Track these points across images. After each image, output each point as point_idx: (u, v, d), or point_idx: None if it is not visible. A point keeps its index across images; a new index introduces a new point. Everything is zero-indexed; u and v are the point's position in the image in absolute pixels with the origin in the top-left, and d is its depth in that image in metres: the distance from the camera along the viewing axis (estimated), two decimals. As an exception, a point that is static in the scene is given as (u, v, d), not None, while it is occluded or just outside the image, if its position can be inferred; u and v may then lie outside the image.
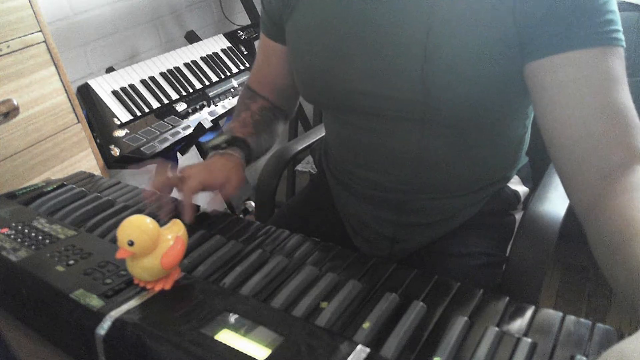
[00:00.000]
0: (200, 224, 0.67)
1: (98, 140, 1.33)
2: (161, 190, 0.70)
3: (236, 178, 0.75)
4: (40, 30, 1.11)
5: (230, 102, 1.62)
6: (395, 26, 0.64)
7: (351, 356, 0.42)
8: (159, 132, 1.44)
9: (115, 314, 0.49)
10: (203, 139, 1.60)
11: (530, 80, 0.60)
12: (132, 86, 1.49)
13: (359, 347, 0.43)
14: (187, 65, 1.64)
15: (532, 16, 0.56)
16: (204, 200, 0.73)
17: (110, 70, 1.55)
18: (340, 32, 0.69)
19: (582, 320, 0.46)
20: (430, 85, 0.62)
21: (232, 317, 0.48)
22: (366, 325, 0.46)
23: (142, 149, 1.37)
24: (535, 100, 0.60)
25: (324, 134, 0.97)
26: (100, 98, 1.41)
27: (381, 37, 0.65)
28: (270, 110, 0.89)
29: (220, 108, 1.59)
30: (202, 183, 0.70)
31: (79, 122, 1.23)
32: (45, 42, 1.12)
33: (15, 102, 1.07)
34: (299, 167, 1.97)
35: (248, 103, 0.88)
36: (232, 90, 1.67)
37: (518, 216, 0.82)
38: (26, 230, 0.65)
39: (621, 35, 0.57)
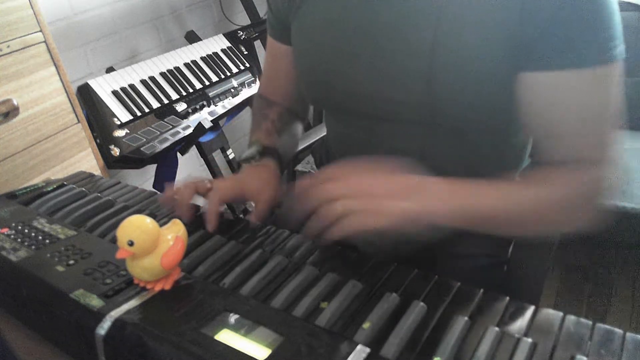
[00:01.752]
0: (200, 224, 0.67)
1: (98, 140, 1.33)
2: (184, 195, 0.68)
3: (270, 190, 0.72)
4: (40, 30, 1.11)
5: (230, 102, 1.62)
6: (402, 26, 0.63)
7: (351, 356, 0.42)
8: (159, 132, 1.44)
9: (115, 314, 0.49)
10: (203, 139, 1.60)
11: (521, 88, 0.61)
12: (132, 86, 1.49)
13: (359, 347, 0.43)
14: (187, 65, 1.64)
15: (538, 21, 0.56)
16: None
17: (110, 70, 1.55)
18: (346, 32, 0.68)
19: (582, 320, 0.46)
20: (436, 87, 0.62)
21: (232, 317, 0.48)
22: (366, 325, 0.46)
23: (142, 149, 1.37)
24: (522, 104, 0.62)
25: (324, 134, 0.97)
26: (100, 98, 1.41)
27: (387, 38, 0.65)
28: (287, 114, 0.88)
29: (220, 108, 1.59)
30: (233, 195, 0.69)
31: (79, 122, 1.23)
32: (45, 42, 1.12)
33: (15, 102, 1.07)
34: (299, 167, 1.97)
35: (266, 112, 0.86)
36: (232, 90, 1.67)
37: (519, 217, 0.81)
38: (26, 230, 0.65)
39: (621, 49, 0.57)
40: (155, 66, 1.58)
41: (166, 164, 1.57)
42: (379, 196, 0.54)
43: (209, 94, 1.61)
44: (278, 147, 0.80)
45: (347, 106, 0.73)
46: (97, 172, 1.28)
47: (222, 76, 1.68)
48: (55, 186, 0.79)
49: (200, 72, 1.64)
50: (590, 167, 0.61)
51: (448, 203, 0.57)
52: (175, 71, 1.60)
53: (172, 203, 0.69)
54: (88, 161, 1.26)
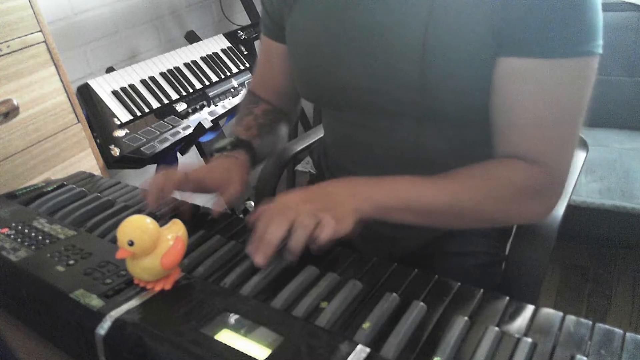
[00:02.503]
0: (200, 224, 0.67)
1: (98, 140, 1.33)
2: (163, 188, 0.69)
3: (238, 180, 0.74)
4: (40, 30, 1.11)
5: (230, 102, 1.62)
6: (394, 22, 0.64)
7: (351, 356, 0.42)
8: (159, 132, 1.44)
9: (115, 314, 0.49)
10: (203, 139, 1.60)
11: (493, 73, 0.61)
12: (132, 86, 1.49)
13: (359, 347, 0.43)
14: (187, 65, 1.64)
15: (516, 8, 0.57)
16: (206, 201, 0.73)
17: (110, 70, 1.55)
18: (339, 29, 0.69)
19: (582, 320, 0.46)
20: (428, 81, 0.63)
21: (232, 317, 0.48)
22: (366, 325, 0.46)
23: (142, 149, 1.37)
24: (491, 89, 0.63)
25: (323, 134, 0.97)
26: (100, 98, 1.41)
27: (380, 33, 0.65)
28: (273, 113, 0.89)
29: (220, 108, 1.59)
30: (202, 184, 0.70)
31: (79, 122, 1.23)
32: (45, 42, 1.12)
33: (15, 102, 1.07)
34: (299, 167, 1.97)
35: (251, 107, 0.88)
36: (232, 90, 1.67)
37: (517, 215, 0.82)
38: (26, 230, 0.65)
39: (593, 45, 0.57)
40: (155, 66, 1.58)
41: (166, 164, 1.57)
42: (329, 207, 0.57)
43: (209, 94, 1.61)
44: (253, 141, 0.81)
45: (342, 102, 0.73)
46: (97, 172, 1.28)
47: (222, 76, 1.68)
48: (55, 186, 0.79)
49: (200, 72, 1.64)
50: (535, 166, 0.62)
51: (365, 197, 0.60)
52: (175, 71, 1.60)
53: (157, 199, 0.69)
54: (88, 161, 1.26)
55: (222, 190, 0.72)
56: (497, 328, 0.45)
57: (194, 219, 0.68)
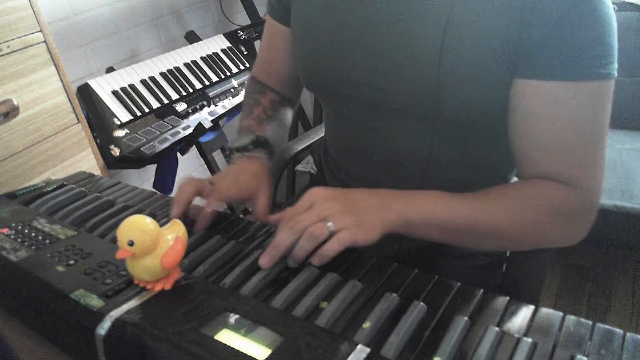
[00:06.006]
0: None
1: (98, 140, 1.33)
2: (183, 193, 0.67)
3: (266, 187, 0.73)
4: (40, 30, 1.11)
5: (230, 102, 1.62)
6: (412, 20, 0.63)
7: (351, 356, 0.42)
8: (159, 132, 1.44)
9: (115, 314, 0.49)
10: (203, 139, 1.60)
11: (513, 94, 0.61)
12: (132, 86, 1.49)
13: (359, 347, 0.43)
14: (187, 65, 1.64)
15: (537, 29, 0.56)
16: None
17: (110, 70, 1.55)
18: (349, 18, 0.67)
19: (582, 320, 0.46)
20: (443, 87, 0.62)
21: (232, 317, 0.48)
22: (366, 325, 0.46)
23: (142, 149, 1.37)
24: (511, 110, 0.62)
25: (324, 134, 0.97)
26: (100, 98, 1.41)
27: (396, 30, 0.64)
28: (280, 102, 0.88)
29: (220, 108, 1.59)
30: (230, 198, 0.70)
31: (79, 122, 1.23)
32: (45, 42, 1.12)
33: (15, 102, 1.07)
34: (299, 167, 1.97)
35: (258, 98, 0.86)
36: (232, 90, 1.67)
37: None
38: (26, 230, 0.65)
39: (612, 68, 0.57)
40: (155, 66, 1.58)
41: (166, 164, 1.57)
42: (356, 212, 0.56)
43: (209, 94, 1.61)
44: (269, 137, 0.80)
45: (346, 94, 0.71)
46: (97, 172, 1.28)
47: (222, 76, 1.68)
48: (55, 186, 0.79)
49: (200, 72, 1.64)
50: (568, 187, 0.60)
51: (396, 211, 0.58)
52: (175, 71, 1.60)
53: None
54: (88, 161, 1.26)
55: (252, 200, 0.71)
56: (497, 328, 0.45)
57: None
